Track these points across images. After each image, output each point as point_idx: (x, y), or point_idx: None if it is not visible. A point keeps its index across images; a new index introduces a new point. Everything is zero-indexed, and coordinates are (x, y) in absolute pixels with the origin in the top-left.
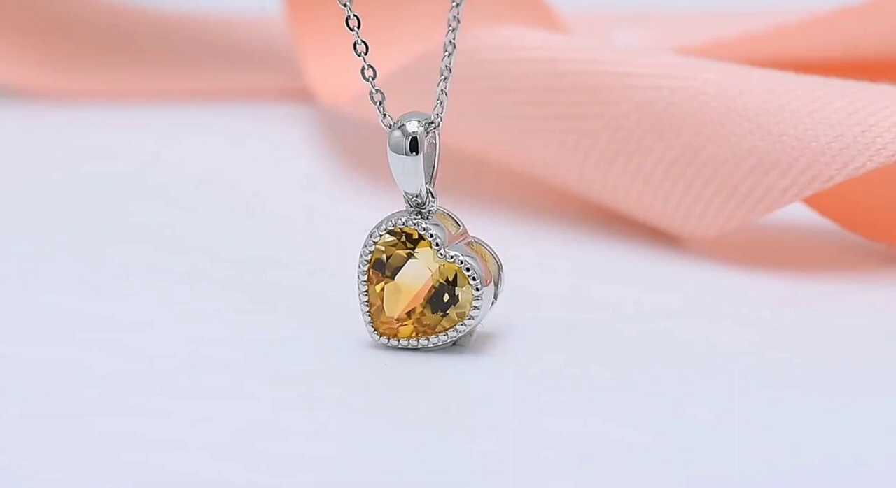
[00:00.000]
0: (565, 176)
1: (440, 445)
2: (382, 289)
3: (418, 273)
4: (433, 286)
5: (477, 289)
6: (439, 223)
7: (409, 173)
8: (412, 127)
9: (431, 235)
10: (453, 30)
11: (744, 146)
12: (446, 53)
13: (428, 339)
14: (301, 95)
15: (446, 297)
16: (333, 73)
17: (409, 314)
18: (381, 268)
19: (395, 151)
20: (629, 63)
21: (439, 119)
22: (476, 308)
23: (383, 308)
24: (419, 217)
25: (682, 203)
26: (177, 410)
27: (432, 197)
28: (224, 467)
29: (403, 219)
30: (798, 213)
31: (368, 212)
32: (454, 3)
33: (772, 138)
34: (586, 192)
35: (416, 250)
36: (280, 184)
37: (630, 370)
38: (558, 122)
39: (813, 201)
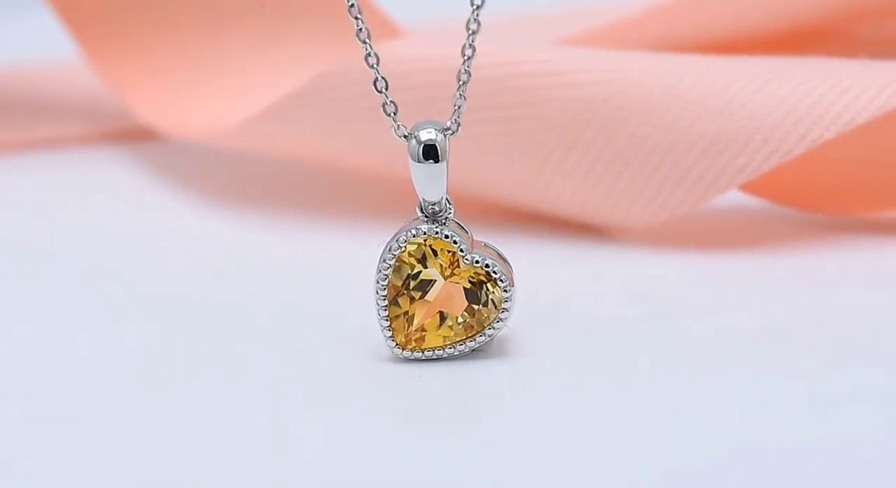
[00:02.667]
0: (491, 182)
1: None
2: (410, 301)
3: (444, 285)
4: (464, 287)
5: (506, 291)
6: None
7: (432, 181)
8: (432, 135)
9: (455, 241)
10: (469, 58)
11: (693, 130)
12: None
13: (454, 347)
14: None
15: (482, 296)
16: (176, 109)
17: (439, 320)
18: (405, 279)
19: (417, 160)
20: (557, 61)
21: (456, 125)
22: (505, 309)
23: (410, 320)
24: (435, 224)
25: (626, 192)
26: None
27: (449, 204)
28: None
29: (424, 229)
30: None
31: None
32: (469, 31)
33: (722, 119)
34: (513, 196)
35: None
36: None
37: (632, 364)
38: (487, 126)
39: None
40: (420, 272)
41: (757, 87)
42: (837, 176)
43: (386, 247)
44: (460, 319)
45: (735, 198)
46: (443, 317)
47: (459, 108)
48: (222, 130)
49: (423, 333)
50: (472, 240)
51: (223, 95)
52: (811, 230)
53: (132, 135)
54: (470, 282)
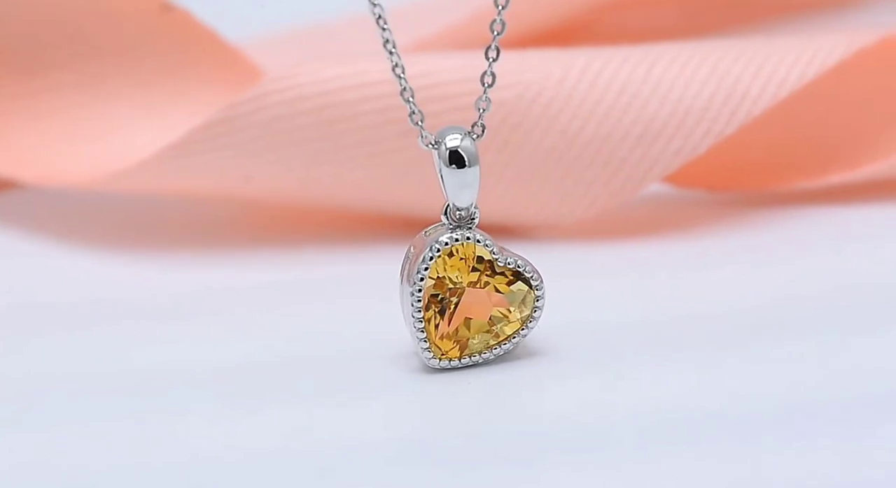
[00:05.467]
0: (415, 194)
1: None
2: (437, 309)
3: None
4: (499, 290)
5: (538, 289)
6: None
7: (463, 186)
8: (462, 140)
9: (486, 245)
10: (493, 60)
11: (626, 119)
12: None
13: (490, 351)
14: None
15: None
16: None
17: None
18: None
19: (450, 166)
20: (476, 66)
21: (481, 128)
22: (538, 308)
23: (453, 330)
24: (467, 230)
25: (558, 189)
26: None
27: (476, 209)
28: None
29: (457, 236)
30: None
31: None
32: (494, 33)
33: (652, 105)
34: (426, 207)
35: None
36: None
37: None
38: (411, 137)
39: None
40: (449, 279)
41: (677, 72)
42: (742, 153)
43: (416, 256)
44: (491, 324)
45: None
46: (470, 323)
47: (484, 111)
48: (106, 175)
49: (458, 340)
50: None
51: (97, 141)
52: (723, 208)
53: None
54: (500, 284)
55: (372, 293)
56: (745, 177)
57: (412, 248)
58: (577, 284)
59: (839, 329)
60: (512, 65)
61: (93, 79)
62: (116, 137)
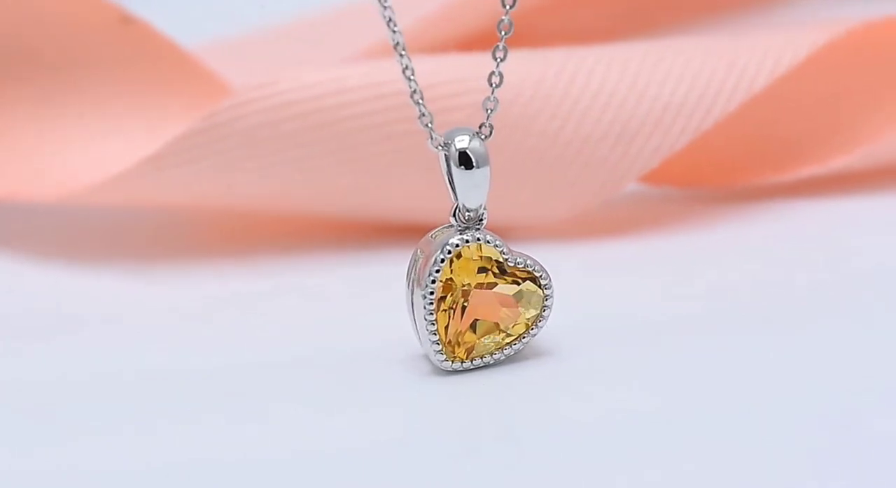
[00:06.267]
0: (389, 199)
1: None
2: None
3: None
4: (511, 291)
5: (547, 288)
6: None
7: (474, 187)
8: (472, 141)
9: (496, 245)
10: (501, 60)
11: (604, 118)
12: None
13: (501, 352)
14: None
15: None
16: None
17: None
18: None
19: (459, 167)
20: (452, 69)
21: (489, 129)
22: (547, 307)
23: (446, 330)
24: (476, 231)
25: (540, 190)
26: None
27: (484, 210)
28: None
29: (467, 237)
30: None
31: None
32: (502, 33)
33: (630, 103)
34: (410, 212)
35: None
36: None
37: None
38: (387, 143)
39: None
40: (458, 281)
41: (651, 70)
42: (712, 149)
43: (425, 259)
44: (500, 324)
45: None
46: (479, 324)
47: (492, 111)
48: (85, 187)
49: (466, 342)
50: None
51: (58, 156)
52: (697, 205)
53: None
54: (509, 284)
55: (367, 298)
56: (717, 173)
57: (419, 252)
58: (567, 283)
59: (818, 319)
60: (489, 68)
61: (53, 93)
62: (78, 152)
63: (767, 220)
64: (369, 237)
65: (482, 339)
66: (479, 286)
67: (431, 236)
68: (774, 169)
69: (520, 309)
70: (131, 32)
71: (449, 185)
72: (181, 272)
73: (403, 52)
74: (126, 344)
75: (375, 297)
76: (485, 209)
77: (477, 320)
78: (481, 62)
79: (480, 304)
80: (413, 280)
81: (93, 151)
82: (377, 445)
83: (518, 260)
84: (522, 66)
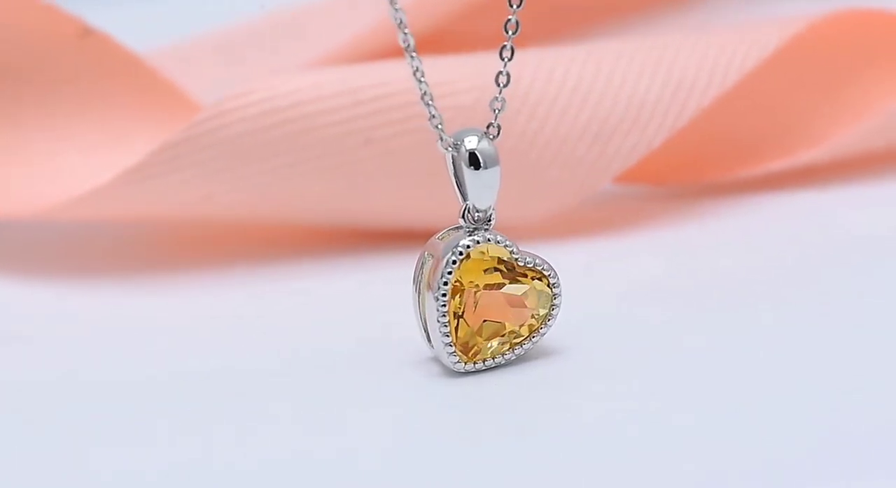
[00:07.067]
0: (367, 205)
1: None
2: (473, 308)
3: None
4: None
5: (556, 287)
6: None
7: (485, 187)
8: (482, 142)
9: (507, 245)
10: (509, 59)
11: (581, 117)
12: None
13: (512, 351)
14: None
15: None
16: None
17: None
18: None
19: (471, 167)
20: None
21: (497, 129)
22: (555, 306)
23: (456, 331)
24: (486, 232)
25: (520, 191)
26: None
27: (493, 210)
28: None
29: (478, 238)
30: None
31: None
32: (509, 33)
33: (606, 102)
34: (389, 217)
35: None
36: None
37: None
38: (365, 149)
39: None
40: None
41: (625, 68)
42: (682, 146)
43: (435, 261)
44: (508, 324)
45: None
46: (488, 325)
47: (499, 111)
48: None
49: (477, 343)
50: None
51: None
52: (667, 201)
53: None
54: (517, 284)
55: (362, 303)
56: (685, 170)
57: (426, 254)
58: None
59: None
60: (468, 70)
61: (10, 108)
62: (39, 167)
63: (739, 213)
64: (352, 242)
65: (491, 340)
66: (488, 287)
67: (439, 238)
68: (742, 164)
69: (529, 308)
70: (91, 45)
71: (457, 187)
72: (170, 282)
73: (414, 54)
74: (125, 349)
75: (366, 300)
76: (493, 209)
77: (487, 320)
78: (457, 64)
79: (490, 305)
80: (420, 282)
81: (54, 166)
82: (389, 447)
83: (527, 259)
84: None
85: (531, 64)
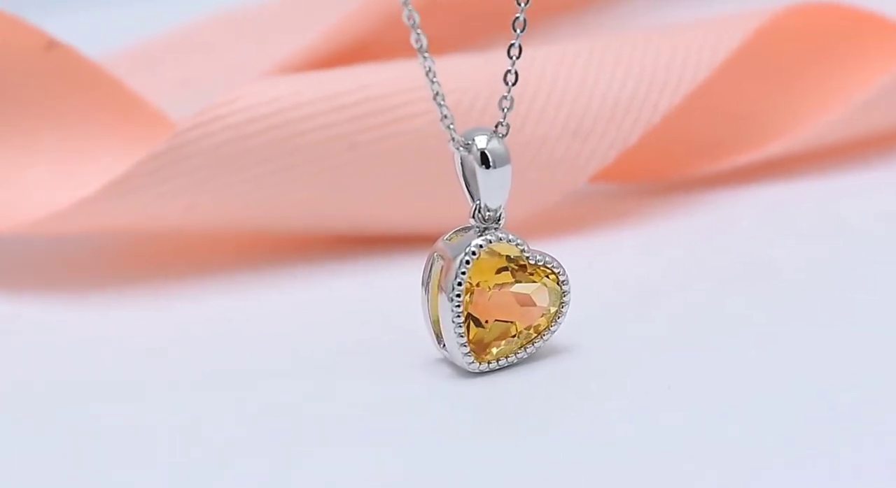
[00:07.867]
0: (352, 210)
1: None
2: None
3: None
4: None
5: (565, 284)
6: None
7: (497, 186)
8: (493, 141)
9: (518, 244)
10: (516, 58)
11: (559, 117)
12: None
13: (524, 350)
14: None
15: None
16: None
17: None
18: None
19: (483, 166)
20: (402, 78)
21: (505, 128)
22: (565, 303)
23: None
24: (497, 231)
25: None
26: None
27: (503, 209)
28: None
29: (490, 238)
30: None
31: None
32: (517, 32)
33: (582, 100)
34: (371, 221)
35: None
36: None
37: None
38: (350, 153)
39: None
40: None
41: (598, 66)
42: (649, 143)
43: (447, 262)
44: (521, 323)
45: None
46: (498, 324)
47: (508, 109)
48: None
49: (489, 343)
50: None
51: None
52: (634, 199)
53: None
54: (528, 282)
55: (357, 309)
56: (655, 167)
57: (436, 255)
58: None
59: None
60: (449, 72)
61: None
62: (5, 182)
63: (710, 208)
64: (340, 248)
65: (502, 340)
66: (499, 286)
67: (447, 238)
68: (709, 159)
69: (540, 306)
70: (56, 57)
71: (466, 187)
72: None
73: (427, 54)
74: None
75: (364, 304)
76: (503, 208)
77: (498, 320)
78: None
79: (501, 304)
80: (429, 283)
81: (21, 181)
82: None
83: (538, 257)
84: (477, 69)
85: (506, 65)
